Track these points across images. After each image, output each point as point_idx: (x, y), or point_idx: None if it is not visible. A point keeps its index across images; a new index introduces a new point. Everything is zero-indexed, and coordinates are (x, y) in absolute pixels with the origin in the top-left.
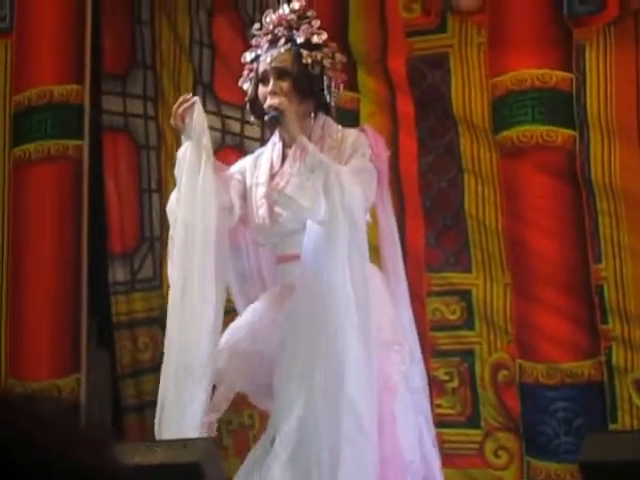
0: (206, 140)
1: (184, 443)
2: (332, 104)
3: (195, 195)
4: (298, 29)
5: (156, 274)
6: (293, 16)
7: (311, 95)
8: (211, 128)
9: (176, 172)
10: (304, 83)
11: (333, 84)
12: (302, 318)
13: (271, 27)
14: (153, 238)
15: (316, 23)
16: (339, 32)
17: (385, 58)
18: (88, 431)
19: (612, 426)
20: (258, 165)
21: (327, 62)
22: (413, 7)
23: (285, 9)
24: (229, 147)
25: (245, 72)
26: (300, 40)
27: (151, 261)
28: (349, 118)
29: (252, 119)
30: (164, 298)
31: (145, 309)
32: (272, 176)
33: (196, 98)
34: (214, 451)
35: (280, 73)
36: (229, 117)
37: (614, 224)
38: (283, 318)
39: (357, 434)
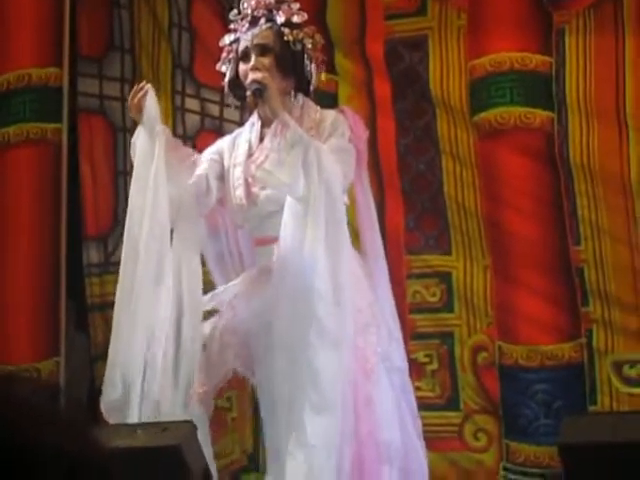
0: (159, 128)
1: (164, 426)
2: (312, 83)
3: (146, 184)
4: (278, 10)
5: None
6: (271, 0)
7: (293, 73)
8: (190, 111)
9: (132, 157)
10: (286, 59)
11: (314, 63)
12: (283, 293)
13: (249, 11)
14: None
15: (295, 5)
16: (317, 13)
17: (363, 40)
18: (67, 413)
19: (592, 408)
20: (236, 145)
21: (308, 41)
22: None
23: None
24: (208, 130)
25: (224, 54)
26: (281, 20)
27: None
28: (327, 100)
29: (230, 100)
30: None
31: None
32: (250, 156)
33: (148, 85)
34: (194, 435)
35: (262, 49)
36: (208, 100)
37: (592, 206)
38: (261, 305)
39: (320, 406)
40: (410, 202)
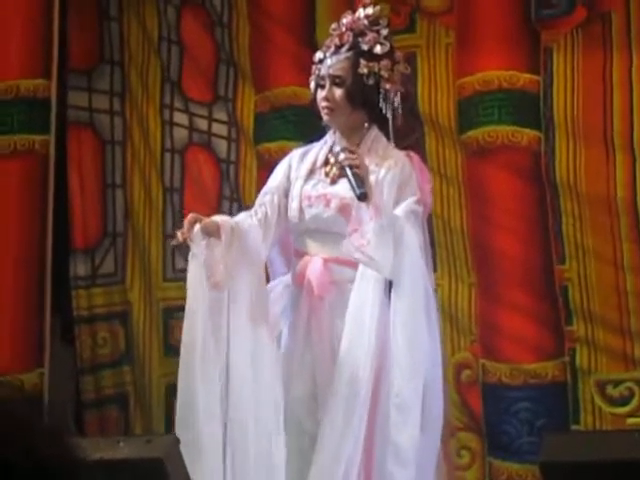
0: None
1: (148, 439)
2: (389, 115)
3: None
4: (365, 36)
5: (118, 269)
6: (365, 21)
7: (363, 106)
8: (179, 125)
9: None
10: (357, 93)
11: (390, 96)
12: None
13: (343, 29)
14: (116, 233)
15: (384, 32)
16: (306, 30)
17: None
18: (48, 424)
19: (574, 427)
20: (305, 160)
21: (385, 73)
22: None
23: (360, 12)
24: (196, 145)
25: (313, 71)
26: (363, 48)
27: (113, 256)
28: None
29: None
30: (125, 293)
31: (106, 304)
32: (311, 171)
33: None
34: (177, 447)
35: (335, 80)
36: (196, 115)
37: (578, 225)
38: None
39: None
40: None
